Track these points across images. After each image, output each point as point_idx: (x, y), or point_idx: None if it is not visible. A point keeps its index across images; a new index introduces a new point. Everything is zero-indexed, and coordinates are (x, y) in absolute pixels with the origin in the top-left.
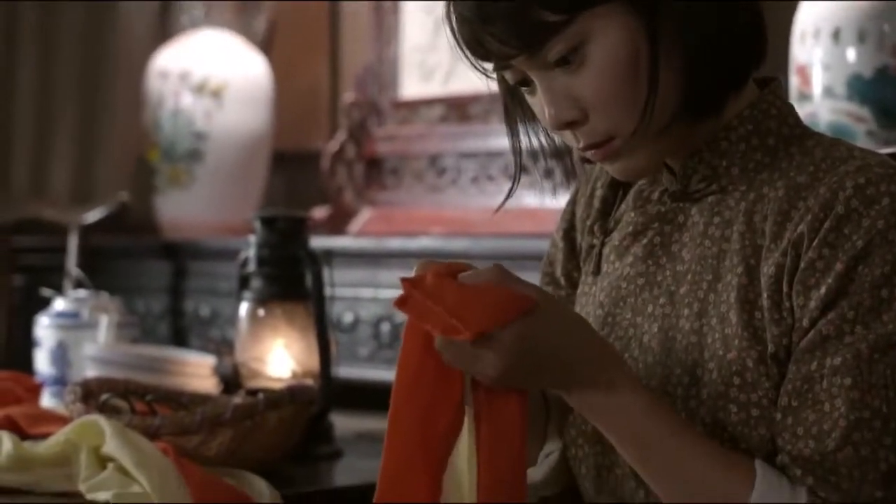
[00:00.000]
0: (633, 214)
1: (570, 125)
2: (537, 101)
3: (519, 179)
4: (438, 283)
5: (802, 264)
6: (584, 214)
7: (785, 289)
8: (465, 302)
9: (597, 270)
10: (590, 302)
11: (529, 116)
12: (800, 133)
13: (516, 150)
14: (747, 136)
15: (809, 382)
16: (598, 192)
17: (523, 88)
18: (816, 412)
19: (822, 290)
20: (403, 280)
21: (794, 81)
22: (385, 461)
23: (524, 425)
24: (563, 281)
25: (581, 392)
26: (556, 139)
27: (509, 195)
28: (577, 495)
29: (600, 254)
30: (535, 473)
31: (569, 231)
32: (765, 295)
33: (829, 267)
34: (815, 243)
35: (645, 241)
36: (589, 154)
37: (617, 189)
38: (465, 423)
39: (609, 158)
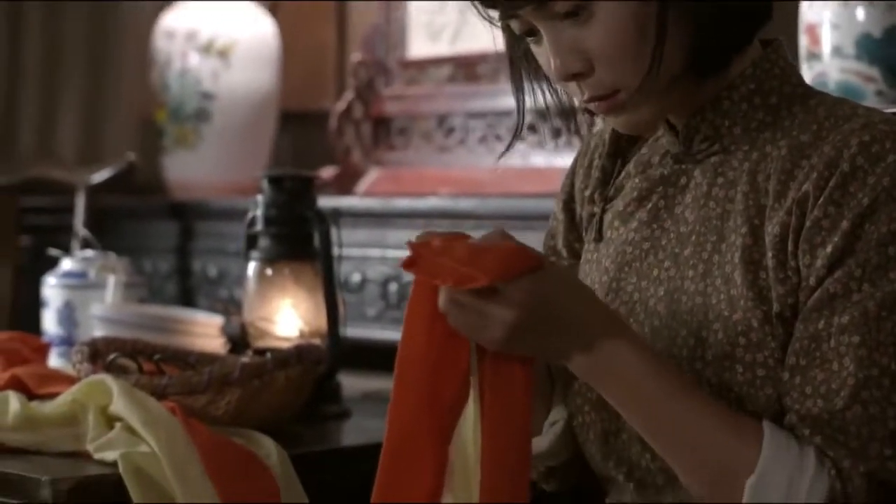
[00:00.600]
0: (636, 180)
1: (575, 77)
2: (543, 52)
3: (521, 131)
4: (446, 242)
5: (808, 223)
6: (582, 185)
7: (790, 248)
8: (475, 255)
9: (599, 238)
10: (594, 269)
11: (534, 69)
12: (802, 92)
13: (519, 102)
14: (749, 95)
15: (817, 341)
16: (597, 163)
17: (529, 39)
18: (824, 371)
19: (829, 248)
20: (410, 242)
21: (803, 41)
22: (389, 433)
23: (529, 395)
24: (565, 252)
25: (586, 356)
26: (560, 93)
27: (510, 146)
28: (583, 464)
29: (601, 221)
30: (541, 443)
31: (568, 202)
32: (770, 254)
33: (835, 225)
34: (820, 202)
35: (649, 205)
36: (592, 106)
37: (615, 158)
38: (471, 394)
39: (612, 111)
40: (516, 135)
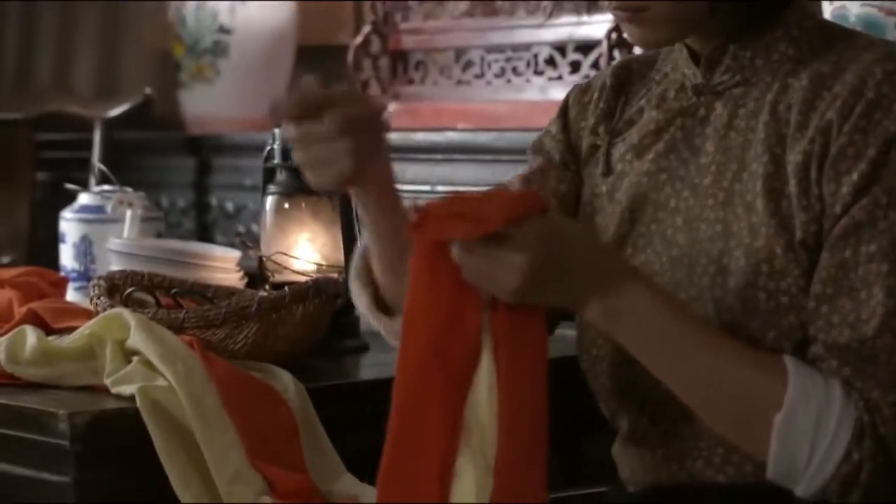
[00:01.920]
0: (653, 113)
1: None
2: None
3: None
4: (450, 199)
5: (833, 150)
6: (577, 116)
7: (813, 175)
8: (482, 204)
9: (607, 171)
10: (605, 202)
11: None
12: (821, 25)
13: None
14: (771, 27)
15: (844, 270)
16: (597, 97)
17: None
18: (853, 299)
19: (854, 175)
20: (416, 206)
21: None
22: (397, 392)
23: (544, 350)
24: (557, 158)
25: (602, 300)
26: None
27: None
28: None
29: (608, 154)
30: None
31: (564, 129)
32: (792, 182)
33: (861, 153)
34: (845, 129)
35: (667, 137)
36: (616, 12)
37: (618, 94)
38: (484, 352)
39: (634, 22)
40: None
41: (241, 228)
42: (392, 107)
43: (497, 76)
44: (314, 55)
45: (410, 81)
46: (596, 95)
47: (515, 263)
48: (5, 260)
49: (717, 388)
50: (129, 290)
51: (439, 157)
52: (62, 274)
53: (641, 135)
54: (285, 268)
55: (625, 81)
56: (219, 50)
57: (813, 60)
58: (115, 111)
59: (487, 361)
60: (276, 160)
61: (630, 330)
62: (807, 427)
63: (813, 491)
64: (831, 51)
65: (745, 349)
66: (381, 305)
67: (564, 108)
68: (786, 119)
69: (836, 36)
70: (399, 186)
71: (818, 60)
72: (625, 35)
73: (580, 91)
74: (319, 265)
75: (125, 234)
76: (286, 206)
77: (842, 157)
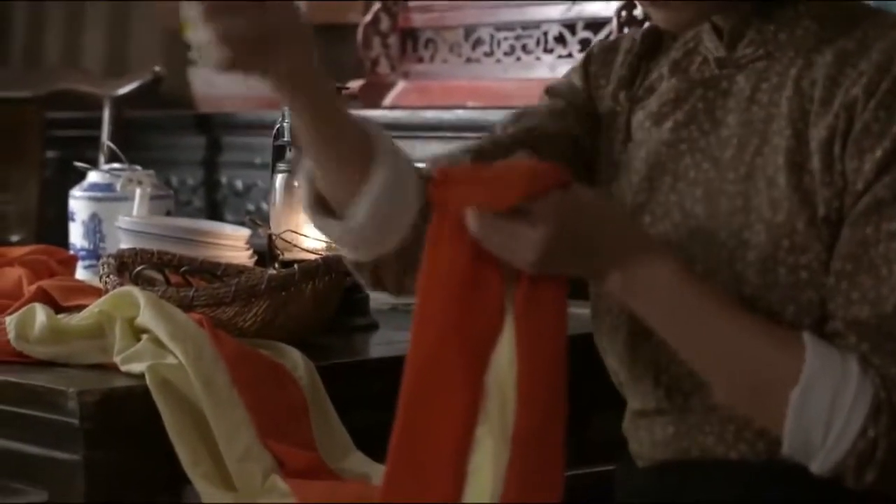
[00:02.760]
0: (673, 81)
1: None
2: None
3: None
4: (470, 167)
5: (857, 126)
6: (599, 73)
7: (836, 151)
8: (501, 174)
9: (627, 138)
10: (623, 170)
11: None
12: (845, 1)
13: None
14: (795, 2)
15: (865, 247)
16: (622, 58)
17: None
18: (872, 276)
19: (878, 153)
20: (438, 167)
21: None
22: (410, 367)
23: (564, 320)
24: (574, 118)
25: (622, 272)
26: None
27: None
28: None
29: (628, 121)
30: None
31: (585, 77)
32: (816, 158)
33: (886, 130)
34: (870, 105)
35: (687, 107)
36: None
37: (643, 58)
38: (507, 321)
39: (659, 5)
40: None
41: (251, 206)
42: (401, 85)
43: (507, 54)
44: (324, 33)
45: (420, 59)
46: (620, 59)
47: (533, 238)
48: (15, 238)
49: (733, 360)
50: (138, 268)
51: (449, 135)
52: (71, 252)
53: (661, 102)
54: (295, 246)
55: (651, 48)
56: None
57: (838, 37)
58: (125, 89)
59: (509, 332)
60: (286, 138)
61: (649, 301)
62: (823, 402)
63: (829, 467)
64: (857, 27)
65: (764, 323)
66: (323, 205)
67: (587, 60)
68: (809, 94)
69: (862, 13)
70: (324, 78)
71: (843, 37)
72: (636, 13)
73: (604, 49)
74: (329, 243)
75: (135, 212)
76: (296, 184)
77: (866, 133)
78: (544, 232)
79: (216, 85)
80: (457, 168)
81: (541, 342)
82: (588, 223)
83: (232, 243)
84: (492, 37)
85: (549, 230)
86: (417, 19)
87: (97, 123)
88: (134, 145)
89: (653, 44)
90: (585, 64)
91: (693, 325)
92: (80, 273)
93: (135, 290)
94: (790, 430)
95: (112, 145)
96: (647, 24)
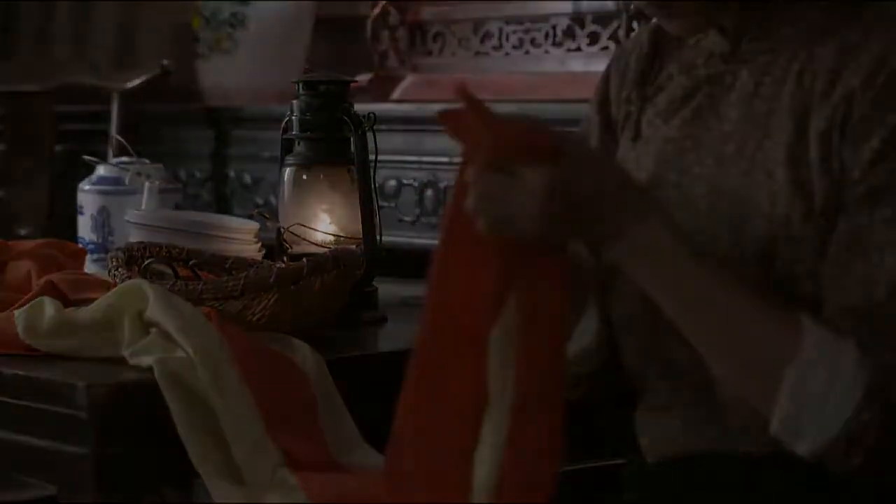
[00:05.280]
0: (681, 79)
1: None
2: None
3: None
4: (492, 112)
5: (855, 117)
6: (618, 87)
7: (835, 141)
8: (502, 124)
9: (636, 136)
10: (631, 167)
11: None
12: None
13: None
14: None
15: (858, 234)
16: (633, 65)
17: None
18: (865, 263)
19: (875, 142)
20: (462, 90)
21: None
22: (422, 337)
23: (566, 290)
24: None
25: (621, 240)
26: None
27: None
28: (610, 374)
29: (639, 119)
30: (570, 349)
31: (603, 104)
32: (814, 149)
33: (882, 121)
34: (868, 96)
35: (693, 104)
36: (645, 5)
37: (654, 60)
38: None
39: (665, 14)
40: None
41: (259, 200)
42: (410, 78)
43: (515, 48)
44: (332, 26)
45: (429, 53)
46: (633, 62)
47: (532, 186)
48: (24, 232)
49: (730, 334)
50: (147, 261)
51: None
52: (80, 245)
53: (669, 100)
54: (303, 239)
55: (660, 46)
56: (237, 21)
57: (841, 29)
58: (134, 83)
59: (510, 311)
60: (295, 131)
61: (650, 266)
62: (819, 382)
63: (817, 448)
64: (861, 20)
65: (764, 301)
66: None
67: (606, 80)
68: (811, 88)
69: (867, 6)
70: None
71: (847, 30)
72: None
73: (617, 57)
74: (338, 237)
75: (143, 205)
76: (304, 177)
77: (863, 123)
78: (545, 180)
79: (224, 78)
80: (480, 100)
81: (541, 313)
82: (581, 191)
83: (240, 237)
84: (500, 30)
85: (551, 179)
86: (426, 13)
87: (106, 117)
88: (142, 139)
89: (662, 42)
90: (605, 82)
91: (690, 293)
92: (89, 266)
93: (143, 284)
94: (782, 407)
95: (121, 139)
96: (653, 21)
